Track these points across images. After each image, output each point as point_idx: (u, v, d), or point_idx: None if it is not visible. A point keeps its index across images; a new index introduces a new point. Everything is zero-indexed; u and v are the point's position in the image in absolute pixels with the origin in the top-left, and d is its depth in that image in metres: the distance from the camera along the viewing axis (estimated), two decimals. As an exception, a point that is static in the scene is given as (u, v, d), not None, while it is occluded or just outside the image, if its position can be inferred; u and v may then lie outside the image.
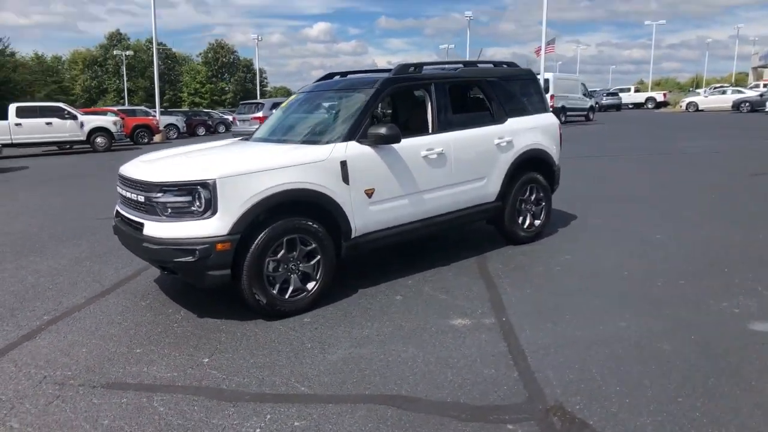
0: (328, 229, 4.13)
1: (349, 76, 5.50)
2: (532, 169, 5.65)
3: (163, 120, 29.46)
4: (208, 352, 3.41)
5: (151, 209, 3.76)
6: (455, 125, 4.98)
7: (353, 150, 4.22)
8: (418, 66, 5.01)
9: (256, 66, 63.35)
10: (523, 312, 3.91)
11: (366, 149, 4.29)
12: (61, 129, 19.99)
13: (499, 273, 4.79)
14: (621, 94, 45.81)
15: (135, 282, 4.85)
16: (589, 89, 33.40)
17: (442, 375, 3.05)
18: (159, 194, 3.69)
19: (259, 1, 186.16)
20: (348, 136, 4.28)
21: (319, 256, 4.06)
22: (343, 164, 4.12)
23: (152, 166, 4.08)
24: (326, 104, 5.03)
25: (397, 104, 5.92)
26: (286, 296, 3.92)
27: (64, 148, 21.80)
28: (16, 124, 19.13)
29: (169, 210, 3.67)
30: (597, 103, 37.34)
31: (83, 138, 20.42)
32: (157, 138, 26.07)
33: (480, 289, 4.40)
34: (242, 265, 3.71)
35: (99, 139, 20.71)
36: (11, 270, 5.31)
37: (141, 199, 3.86)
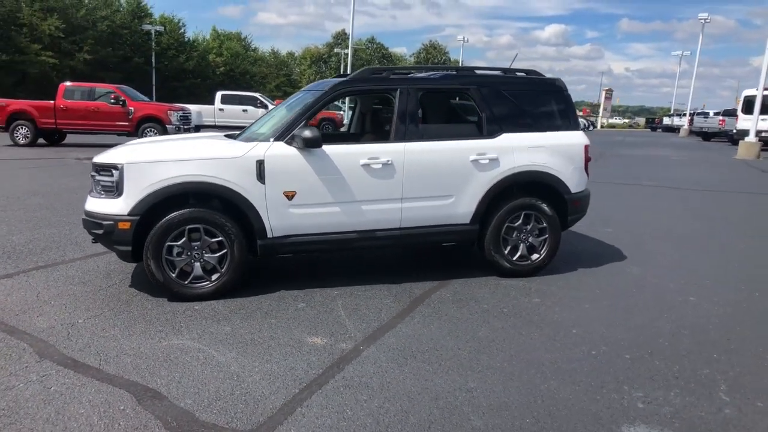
0: (243, 225, 4.24)
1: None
2: (528, 193, 4.90)
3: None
4: (85, 315, 3.85)
5: (92, 186, 4.32)
6: (420, 136, 4.60)
7: (276, 150, 4.23)
8: (388, 70, 4.74)
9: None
10: (388, 348, 3.50)
11: (291, 151, 4.26)
12: (254, 116, 23.17)
13: (433, 303, 4.32)
14: None
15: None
16: None
17: (220, 384, 2.96)
18: (94, 173, 4.23)
19: (492, 2, 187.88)
20: (277, 136, 4.30)
21: (226, 250, 4.19)
22: (260, 163, 4.17)
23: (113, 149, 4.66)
24: (292, 103, 5.08)
25: (361, 110, 5.72)
26: (186, 281, 4.16)
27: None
28: (220, 109, 22.81)
29: (99, 187, 4.19)
30: None
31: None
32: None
33: (385, 314, 4.04)
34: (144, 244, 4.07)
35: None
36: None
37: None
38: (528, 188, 4.92)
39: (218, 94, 23.29)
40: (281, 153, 4.24)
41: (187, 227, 4.09)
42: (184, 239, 4.10)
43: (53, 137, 17.29)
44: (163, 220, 4.03)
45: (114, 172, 4.04)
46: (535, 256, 4.99)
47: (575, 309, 4.30)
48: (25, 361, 3.18)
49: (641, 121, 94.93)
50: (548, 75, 5.28)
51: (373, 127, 5.64)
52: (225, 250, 4.19)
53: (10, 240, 5.71)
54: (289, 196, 4.26)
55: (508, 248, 4.93)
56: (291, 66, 73.58)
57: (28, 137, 16.31)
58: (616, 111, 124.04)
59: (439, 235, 4.74)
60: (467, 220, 4.76)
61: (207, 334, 3.63)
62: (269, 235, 4.28)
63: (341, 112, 30.47)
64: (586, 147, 5.12)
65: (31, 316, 3.83)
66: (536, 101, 5.05)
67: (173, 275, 4.13)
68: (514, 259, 4.95)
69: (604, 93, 79.33)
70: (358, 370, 3.20)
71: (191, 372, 3.11)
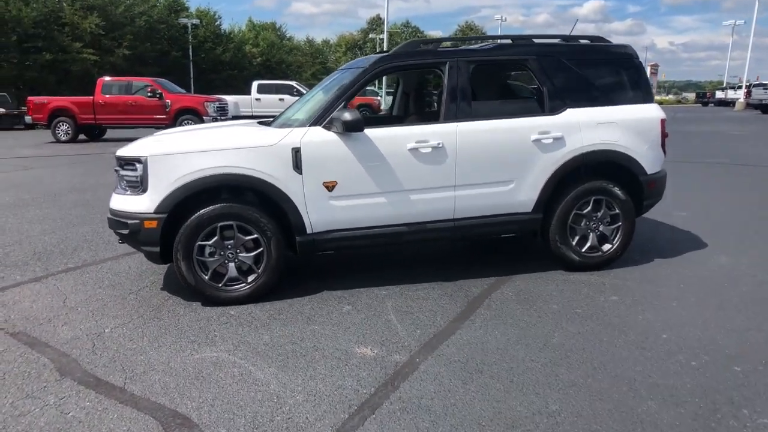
0: (280, 221, 3.84)
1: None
2: (599, 175, 4.30)
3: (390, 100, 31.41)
4: (113, 324, 3.52)
5: (117, 182, 3.99)
6: (473, 114, 4.06)
7: (313, 136, 3.78)
8: (435, 42, 4.21)
9: (498, 47, 62.56)
10: (448, 359, 3.03)
11: (330, 136, 3.80)
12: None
13: (494, 303, 3.81)
14: None
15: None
16: None
17: (258, 407, 2.56)
18: (118, 167, 3.89)
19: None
20: (314, 121, 3.84)
21: (262, 248, 3.80)
22: (296, 151, 3.73)
23: (137, 141, 4.31)
24: (329, 84, 4.60)
25: (404, 89, 5.17)
26: (220, 284, 3.79)
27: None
28: (256, 99, 22.62)
29: (124, 183, 3.84)
30: None
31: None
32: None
33: (441, 318, 3.57)
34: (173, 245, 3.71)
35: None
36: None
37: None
38: (598, 170, 4.32)
39: (254, 84, 23.10)
40: (319, 139, 3.79)
41: (219, 224, 3.70)
42: (216, 238, 3.72)
43: (93, 133, 17.46)
44: (192, 218, 3.65)
45: (137, 165, 3.68)
46: (606, 247, 4.41)
47: (661, 308, 3.71)
48: (44, 379, 2.86)
49: (690, 96, 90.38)
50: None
51: (417, 108, 5.13)
52: (261, 249, 3.79)
53: (42, 241, 5.50)
54: (330, 186, 3.81)
55: (576, 238, 4.36)
56: (326, 54, 73.15)
57: (69, 133, 16.50)
58: (662, 87, 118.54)
59: (497, 225, 4.21)
60: (529, 208, 4.21)
61: (243, 344, 3.24)
62: (309, 230, 3.85)
63: (378, 98, 29.92)
64: (663, 121, 4.46)
65: (56, 325, 3.53)
66: (603, 71, 4.42)
67: (206, 277, 3.76)
68: (583, 250, 4.38)
69: (649, 68, 75.78)
70: (417, 388, 2.74)
71: (226, 392, 2.72)
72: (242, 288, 3.81)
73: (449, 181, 3.99)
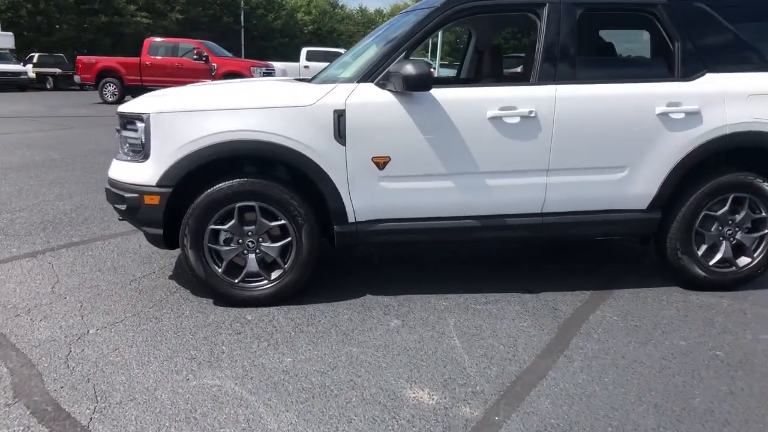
0: (315, 204, 2.97)
1: None
2: (743, 166, 3.21)
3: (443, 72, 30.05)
4: (101, 322, 2.76)
5: (119, 145, 3.19)
6: (578, 76, 3.03)
7: (362, 95, 2.86)
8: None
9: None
10: (542, 421, 2.10)
11: (384, 96, 2.87)
12: (340, 74, 22.05)
13: (595, 331, 2.84)
14: None
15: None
16: None
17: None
18: (120, 127, 3.09)
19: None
20: (364, 76, 2.91)
21: (290, 238, 2.94)
22: (339, 114, 2.81)
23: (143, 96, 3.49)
24: (385, 32, 3.62)
25: (476, 46, 4.14)
26: (237, 280, 2.96)
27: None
28: (305, 66, 21.79)
29: (126, 147, 3.04)
30: None
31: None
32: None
33: (524, 349, 2.63)
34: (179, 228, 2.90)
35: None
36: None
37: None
38: (741, 159, 3.23)
39: (303, 51, 22.29)
40: (370, 100, 2.86)
41: (238, 205, 2.86)
42: (233, 222, 2.88)
43: (140, 94, 17.09)
44: (203, 195, 2.82)
45: (138, 125, 2.87)
46: (744, 261, 3.31)
47: (836, 357, 2.65)
48: (-13, 405, 2.13)
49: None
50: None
51: (494, 71, 4.09)
52: (289, 239, 2.94)
53: (54, 207, 4.85)
54: (381, 163, 2.89)
55: (704, 248, 3.29)
56: (378, 23, 71.41)
57: (116, 95, 16.16)
58: None
59: (598, 226, 3.19)
60: (644, 205, 3.17)
61: (257, 368, 2.41)
62: (351, 218, 2.96)
63: (432, 69, 28.61)
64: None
65: (34, 319, 2.80)
66: (759, 25, 3.28)
67: (219, 270, 2.94)
68: (711, 263, 3.31)
69: None
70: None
71: (221, 450, 1.90)
72: (264, 286, 2.98)
73: (541, 162, 3.00)
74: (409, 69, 2.71)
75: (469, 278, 3.47)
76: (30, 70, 23.03)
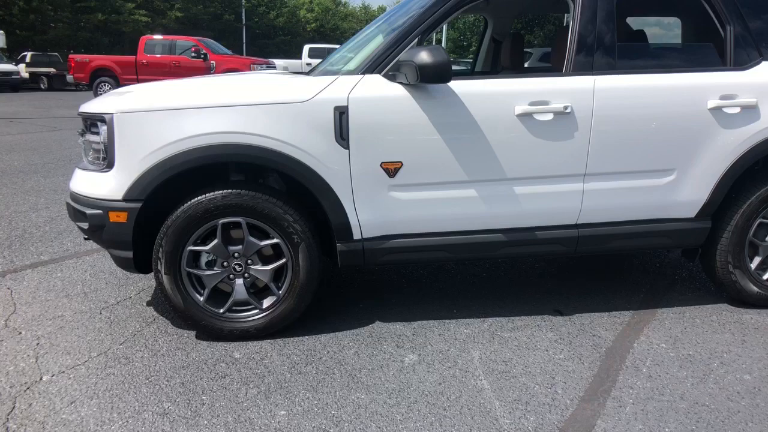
0: (314, 218, 2.54)
1: None
2: (808, 167, 2.77)
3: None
4: (59, 365, 2.32)
5: (83, 151, 2.74)
6: (617, 66, 2.59)
7: (368, 89, 2.41)
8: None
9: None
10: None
11: (395, 90, 2.43)
12: (341, 71, 21.57)
13: (644, 363, 2.40)
14: None
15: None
16: None
17: None
18: (83, 129, 2.64)
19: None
20: (369, 66, 2.47)
21: (285, 259, 2.51)
22: (342, 112, 2.37)
23: (110, 93, 3.05)
24: (395, 17, 3.16)
25: (493, 35, 3.72)
26: (222, 310, 2.53)
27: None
28: (307, 64, 21.33)
29: (90, 153, 2.60)
30: None
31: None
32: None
33: (563, 389, 2.19)
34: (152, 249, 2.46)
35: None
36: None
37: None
38: (805, 158, 2.79)
39: (306, 48, 21.87)
40: (378, 94, 2.42)
41: (221, 221, 2.42)
42: (216, 241, 2.45)
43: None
44: (179, 210, 2.39)
45: (101, 127, 2.43)
46: (805, 277, 2.89)
47: None
48: None
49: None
50: None
51: (514, 62, 3.65)
52: (284, 260, 2.51)
53: (26, 219, 4.42)
54: (391, 169, 2.46)
55: (757, 260, 2.86)
56: (379, 20, 70.70)
57: (111, 95, 15.73)
58: None
59: (641, 238, 2.73)
60: (692, 213, 2.73)
61: (243, 426, 1.97)
62: (356, 235, 2.52)
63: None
64: None
65: (-20, 362, 2.38)
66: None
67: (201, 299, 2.51)
68: (766, 277, 2.88)
69: None
70: None
71: None
72: (254, 317, 2.55)
73: (577, 166, 2.56)
74: (425, 57, 2.27)
75: (489, 297, 3.04)
76: (23, 70, 22.53)
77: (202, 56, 15.17)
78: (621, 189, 2.63)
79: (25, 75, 22.60)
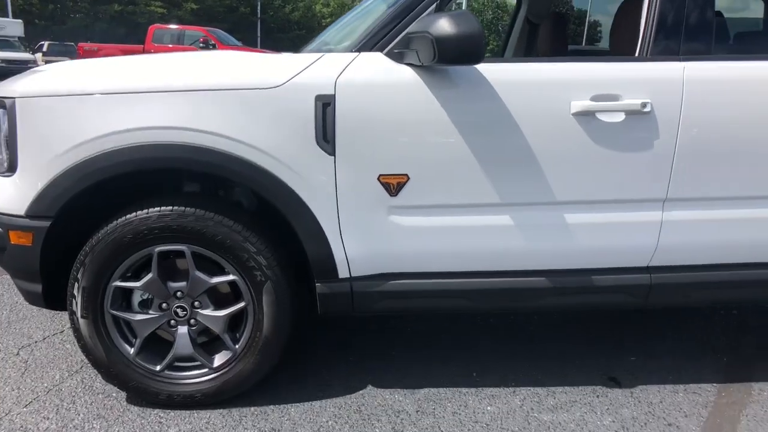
0: (285, 248, 1.86)
1: None
2: None
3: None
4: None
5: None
6: (710, 49, 1.87)
7: (365, 71, 1.71)
8: None
9: None
10: None
11: (403, 73, 1.72)
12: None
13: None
14: None
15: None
16: None
17: None
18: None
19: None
20: (367, 41, 1.76)
21: (244, 303, 1.83)
22: (326, 104, 1.68)
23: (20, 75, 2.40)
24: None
25: (528, 17, 3.07)
26: (159, 367, 1.86)
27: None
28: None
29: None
30: None
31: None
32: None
33: None
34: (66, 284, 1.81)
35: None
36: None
37: None
38: None
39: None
40: (377, 79, 1.72)
41: (157, 249, 1.75)
42: (150, 276, 1.77)
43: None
44: (102, 232, 1.72)
45: (1, 116, 1.78)
46: None
47: None
48: None
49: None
50: None
51: (556, 49, 2.91)
52: (242, 304, 1.83)
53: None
54: (394, 184, 1.76)
55: None
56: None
57: (119, 84, 15.31)
58: None
59: (742, 288, 1.99)
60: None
61: None
62: (342, 273, 1.82)
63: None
64: None
65: None
66: None
67: (131, 351, 1.84)
68: None
69: None
70: None
71: None
72: (201, 377, 1.87)
73: (654, 188, 1.83)
74: (445, 26, 1.56)
75: (517, 357, 2.32)
76: (39, 59, 22.33)
77: (211, 47, 14.63)
78: (716, 221, 1.90)
79: (42, 64, 22.40)
